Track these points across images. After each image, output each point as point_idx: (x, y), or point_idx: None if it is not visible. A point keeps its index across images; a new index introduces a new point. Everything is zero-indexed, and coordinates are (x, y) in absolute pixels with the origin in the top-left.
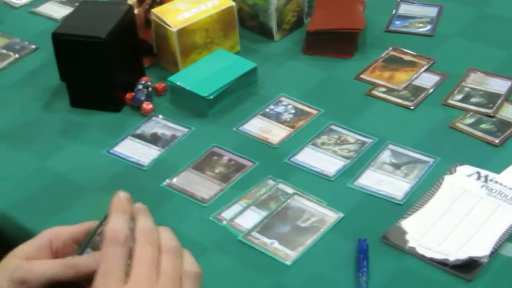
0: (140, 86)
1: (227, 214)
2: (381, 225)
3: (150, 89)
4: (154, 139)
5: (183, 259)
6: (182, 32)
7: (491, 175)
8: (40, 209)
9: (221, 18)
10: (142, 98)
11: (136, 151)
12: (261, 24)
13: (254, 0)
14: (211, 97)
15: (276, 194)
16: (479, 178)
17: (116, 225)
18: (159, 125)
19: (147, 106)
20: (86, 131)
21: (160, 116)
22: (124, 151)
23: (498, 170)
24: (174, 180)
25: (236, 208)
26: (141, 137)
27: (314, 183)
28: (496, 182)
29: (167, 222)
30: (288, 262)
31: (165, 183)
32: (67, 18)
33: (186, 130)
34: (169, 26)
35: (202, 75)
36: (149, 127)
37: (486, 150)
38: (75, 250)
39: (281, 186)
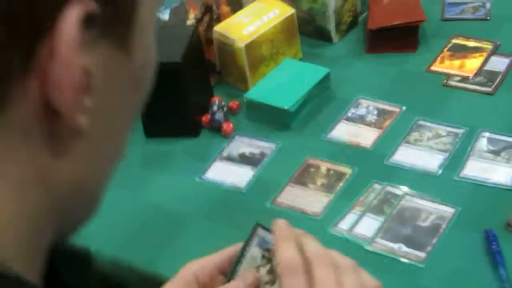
0: (215, 107)
1: (344, 224)
2: (499, 213)
3: (225, 108)
4: (243, 159)
5: (361, 275)
6: (250, 46)
7: None
8: (148, 245)
9: (284, 26)
10: (222, 119)
11: (229, 174)
12: (318, 28)
13: (310, 5)
14: (293, 109)
15: (386, 197)
16: None
17: (287, 253)
18: (244, 144)
19: (227, 127)
20: (171, 159)
21: (242, 134)
22: (217, 176)
23: None
24: (279, 198)
25: (351, 217)
26: (229, 159)
27: (420, 181)
28: None
29: None
30: (421, 264)
31: (269, 202)
32: None
33: (273, 145)
34: (235, 42)
35: (277, 87)
36: (234, 148)
37: None
38: (224, 280)
39: (389, 188)
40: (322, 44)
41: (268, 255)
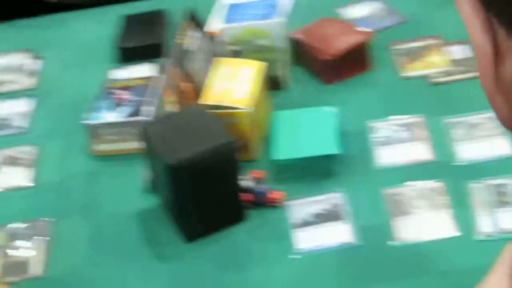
0: (249, 182)
1: (487, 228)
2: None
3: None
4: (322, 218)
5: None
6: (255, 108)
7: None
8: None
9: (263, 81)
10: (265, 189)
11: (321, 236)
12: (269, 78)
13: (259, 56)
14: (341, 151)
15: (491, 190)
16: None
17: None
18: (307, 205)
19: (278, 194)
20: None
21: (292, 199)
22: (313, 243)
23: None
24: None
25: (485, 219)
26: (307, 224)
27: (504, 166)
28: None
29: None
30: None
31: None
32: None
33: (338, 194)
34: (238, 108)
35: (297, 139)
36: (299, 213)
37: None
38: None
39: (488, 182)
40: (275, 93)
41: None
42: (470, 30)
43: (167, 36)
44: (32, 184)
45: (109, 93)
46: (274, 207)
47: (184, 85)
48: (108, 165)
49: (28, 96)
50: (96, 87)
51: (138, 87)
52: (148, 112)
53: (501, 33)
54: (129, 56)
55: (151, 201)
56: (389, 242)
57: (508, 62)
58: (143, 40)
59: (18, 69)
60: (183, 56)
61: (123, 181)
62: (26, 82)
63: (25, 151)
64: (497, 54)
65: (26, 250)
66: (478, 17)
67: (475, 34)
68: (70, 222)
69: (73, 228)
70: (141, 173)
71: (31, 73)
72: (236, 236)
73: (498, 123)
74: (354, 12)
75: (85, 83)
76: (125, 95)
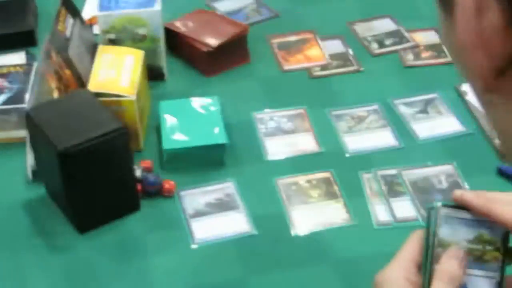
0: (139, 172)
1: (383, 217)
2: (476, 153)
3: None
4: (217, 208)
5: None
6: (137, 98)
7: None
8: None
9: (143, 70)
10: (158, 179)
11: (218, 226)
12: (148, 67)
13: (138, 45)
14: (228, 141)
15: (387, 180)
16: None
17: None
18: (200, 195)
19: (170, 184)
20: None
21: (184, 189)
22: (210, 233)
23: None
24: (297, 225)
25: (381, 208)
26: (201, 214)
27: (395, 157)
28: None
29: None
30: None
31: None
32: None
33: (229, 183)
34: (125, 96)
35: (186, 129)
36: (194, 203)
37: None
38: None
39: (381, 172)
40: (155, 84)
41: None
42: None
43: (38, 23)
44: None
45: None
46: (166, 197)
47: (64, 72)
48: None
49: None
50: None
51: (14, 74)
52: (30, 99)
53: None
54: None
55: (37, 191)
56: (286, 231)
57: (487, 16)
58: (12, 27)
59: None
60: (62, 43)
61: (4, 171)
62: None
63: None
64: (478, 8)
65: None
66: None
67: None
68: None
69: None
70: (23, 163)
71: None
72: (131, 226)
73: (381, 115)
74: (226, 5)
75: None
76: (2, 82)
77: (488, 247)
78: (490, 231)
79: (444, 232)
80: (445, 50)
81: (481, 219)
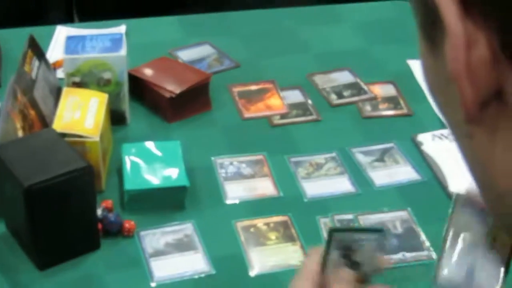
0: (100, 211)
1: None
2: (434, 199)
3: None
4: (175, 248)
5: None
6: (101, 140)
7: None
8: None
9: (106, 113)
10: (119, 219)
11: (178, 265)
12: (111, 111)
13: (101, 89)
14: (189, 184)
15: (343, 224)
16: None
17: None
18: (159, 235)
19: (130, 224)
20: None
21: (144, 229)
22: (169, 273)
23: None
24: (259, 264)
25: None
26: (160, 253)
27: (352, 203)
28: None
29: None
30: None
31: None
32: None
33: (188, 225)
34: (89, 137)
35: (148, 171)
36: (153, 243)
37: None
38: None
39: (338, 217)
40: (117, 128)
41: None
42: (445, 14)
43: (2, 64)
44: None
45: None
46: (126, 236)
47: (29, 112)
48: None
49: None
50: None
51: None
52: None
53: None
54: None
55: None
56: (244, 271)
57: (476, 48)
58: None
59: None
60: (28, 83)
61: None
62: None
63: None
64: (468, 40)
65: None
66: (455, 3)
67: (450, 18)
68: None
69: None
70: None
71: None
72: (91, 264)
73: (339, 162)
74: (188, 54)
75: None
76: None
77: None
78: None
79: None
80: (401, 102)
81: None
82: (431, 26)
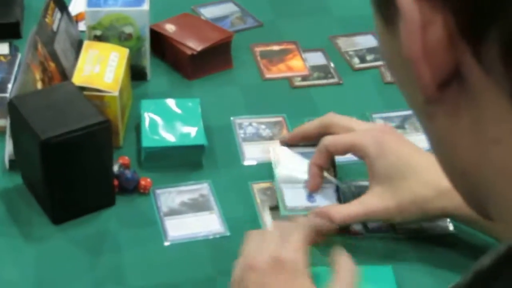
0: (116, 167)
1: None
2: None
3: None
4: (190, 208)
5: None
6: (120, 94)
7: None
8: None
9: (127, 68)
10: (135, 176)
11: (191, 225)
12: (131, 67)
13: (122, 43)
14: (207, 143)
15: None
16: None
17: None
18: (175, 194)
19: (147, 182)
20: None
21: (160, 187)
22: (183, 232)
23: None
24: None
25: None
26: (174, 213)
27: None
28: None
29: None
30: None
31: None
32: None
33: (205, 185)
34: (107, 91)
35: (167, 129)
36: (168, 201)
37: None
38: None
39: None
40: (138, 83)
41: None
42: None
43: (24, 15)
44: None
45: None
46: (142, 194)
47: (49, 64)
48: None
49: None
50: None
51: None
52: (14, 88)
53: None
54: None
55: (14, 180)
56: None
57: (432, 28)
58: None
59: None
60: (48, 35)
61: None
62: None
63: None
64: (423, 20)
65: None
66: None
67: (405, 2)
68: None
69: None
70: (1, 152)
71: None
72: (105, 220)
73: None
74: (211, 12)
75: None
76: None
77: None
78: None
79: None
80: None
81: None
82: (386, 6)
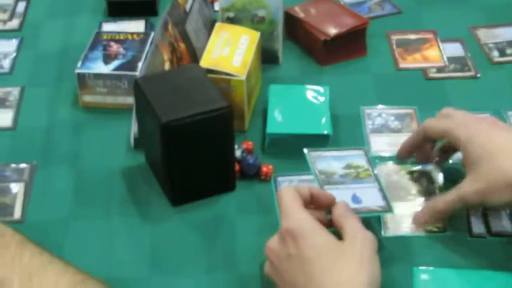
0: (239, 152)
1: None
2: None
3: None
4: None
5: None
6: (247, 78)
7: None
8: None
9: (257, 52)
10: (257, 162)
11: None
12: (263, 50)
13: (255, 26)
14: (332, 132)
15: None
16: None
17: None
18: (295, 183)
19: (268, 168)
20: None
21: (283, 175)
22: None
23: None
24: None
25: None
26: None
27: None
28: None
29: None
30: None
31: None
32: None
33: None
34: (234, 75)
35: (292, 115)
36: None
37: None
38: None
39: None
40: (268, 67)
41: None
42: None
43: None
44: (14, 126)
45: (101, 44)
46: (262, 181)
47: (179, 45)
48: (95, 118)
49: (9, 37)
50: (83, 37)
51: (131, 42)
52: (142, 68)
53: None
54: (118, 10)
55: (137, 159)
56: (377, 230)
57: None
58: None
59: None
60: (180, 15)
61: (109, 135)
62: (8, 22)
63: (8, 92)
64: None
65: (4, 192)
66: None
67: None
68: (52, 170)
69: (55, 177)
70: (128, 129)
71: (14, 14)
72: (224, 205)
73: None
74: None
75: (72, 31)
76: (118, 48)
77: (359, 169)
78: (355, 159)
79: (321, 166)
80: None
81: (344, 154)
82: None
